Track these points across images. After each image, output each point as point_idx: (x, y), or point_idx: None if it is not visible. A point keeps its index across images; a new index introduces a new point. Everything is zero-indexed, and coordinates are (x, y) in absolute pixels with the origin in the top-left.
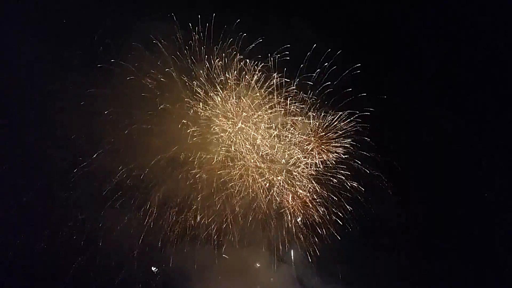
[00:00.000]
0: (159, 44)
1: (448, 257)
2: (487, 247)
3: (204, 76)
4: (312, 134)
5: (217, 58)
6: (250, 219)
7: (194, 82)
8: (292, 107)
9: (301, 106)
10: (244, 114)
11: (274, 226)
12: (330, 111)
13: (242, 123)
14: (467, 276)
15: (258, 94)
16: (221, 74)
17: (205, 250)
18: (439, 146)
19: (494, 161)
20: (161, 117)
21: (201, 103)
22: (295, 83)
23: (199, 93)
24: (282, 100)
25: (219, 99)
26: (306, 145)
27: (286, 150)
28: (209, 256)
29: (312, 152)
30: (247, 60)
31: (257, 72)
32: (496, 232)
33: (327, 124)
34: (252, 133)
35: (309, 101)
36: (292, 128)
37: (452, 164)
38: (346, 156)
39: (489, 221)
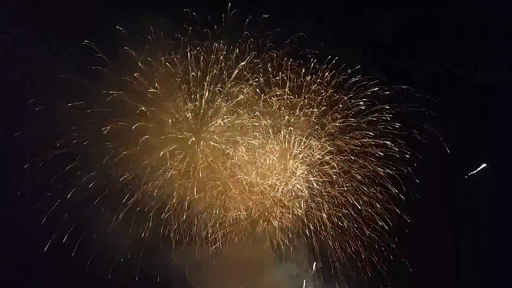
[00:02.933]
0: (149, 45)
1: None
2: None
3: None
4: None
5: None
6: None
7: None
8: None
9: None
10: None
11: (275, 224)
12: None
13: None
14: None
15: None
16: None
17: (204, 250)
18: None
19: None
20: (154, 122)
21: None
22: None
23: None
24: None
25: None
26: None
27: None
28: (208, 256)
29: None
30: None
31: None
32: None
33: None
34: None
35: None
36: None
37: None
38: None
39: None
